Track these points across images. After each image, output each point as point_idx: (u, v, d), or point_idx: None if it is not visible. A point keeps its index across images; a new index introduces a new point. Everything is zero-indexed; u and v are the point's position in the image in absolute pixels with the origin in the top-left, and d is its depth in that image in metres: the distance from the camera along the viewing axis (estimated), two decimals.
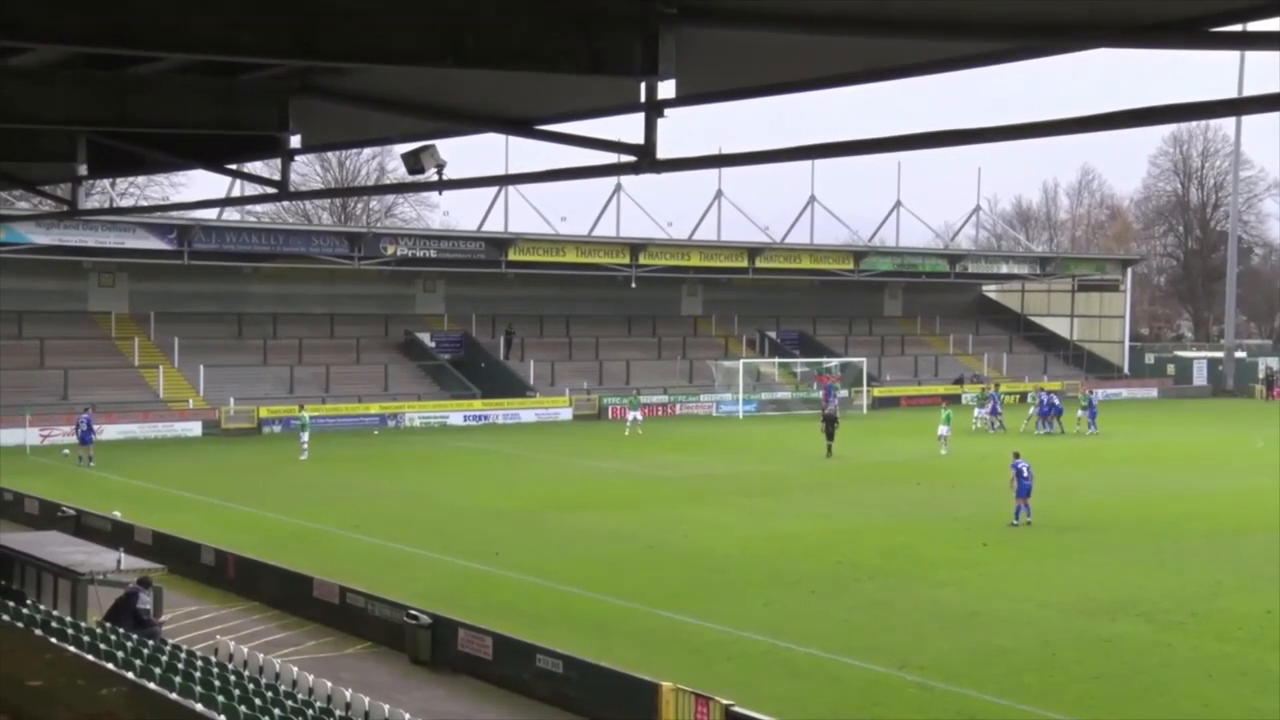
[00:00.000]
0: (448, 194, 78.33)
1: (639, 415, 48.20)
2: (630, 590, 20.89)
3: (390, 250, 53.22)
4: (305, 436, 39.14)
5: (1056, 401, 48.53)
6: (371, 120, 9.55)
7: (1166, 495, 31.46)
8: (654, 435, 46.08)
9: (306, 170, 74.58)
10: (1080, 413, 47.74)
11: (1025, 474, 26.89)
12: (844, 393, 55.15)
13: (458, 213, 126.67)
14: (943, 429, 41.15)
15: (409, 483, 33.79)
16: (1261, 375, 71.51)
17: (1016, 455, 27.85)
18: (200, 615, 19.65)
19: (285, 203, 64.13)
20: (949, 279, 69.83)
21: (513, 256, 55.38)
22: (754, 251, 61.76)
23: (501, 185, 49.98)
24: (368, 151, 73.32)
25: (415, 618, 17.44)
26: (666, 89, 7.42)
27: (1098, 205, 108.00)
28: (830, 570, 22.51)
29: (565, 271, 58.14)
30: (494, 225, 56.73)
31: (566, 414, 52.91)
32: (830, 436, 39.63)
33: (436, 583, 21.34)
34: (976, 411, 49.39)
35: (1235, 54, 65.80)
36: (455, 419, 50.46)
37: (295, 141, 10.39)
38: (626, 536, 25.78)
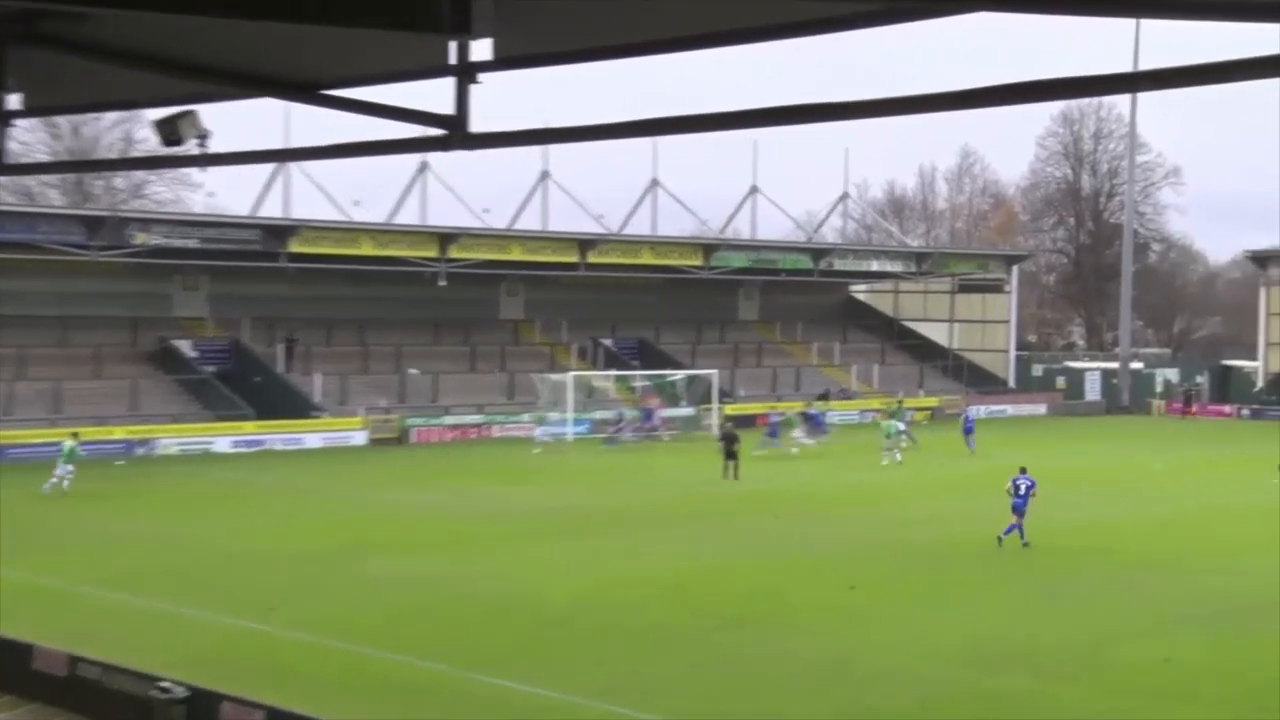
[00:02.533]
0: (213, 171, 76.42)
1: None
2: (440, 649, 20.74)
3: (140, 239, 51.83)
4: (68, 469, 37.41)
5: (819, 417, 53.10)
6: (116, 79, 9.27)
7: (1058, 526, 32.76)
8: (466, 462, 45.85)
9: (30, 138, 71.89)
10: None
11: (1022, 490, 28.91)
12: (664, 413, 56.30)
13: (226, 194, 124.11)
14: (887, 440, 46.34)
15: (163, 524, 32.90)
16: (1160, 389, 75.37)
17: (1022, 470, 29.69)
18: None
19: (2, 178, 61.63)
20: (812, 277, 71.59)
21: (294, 248, 54.51)
22: (586, 244, 62.13)
23: (280, 161, 49.10)
24: (111, 116, 71.24)
25: (167, 690, 16.93)
26: (482, 50, 7.40)
27: (980, 193, 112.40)
28: (678, 620, 22.73)
29: (359, 266, 57.55)
30: (271, 210, 55.83)
31: (360, 438, 52.47)
32: (731, 456, 41.48)
33: (197, 646, 20.79)
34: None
35: (1129, 23, 69.39)
36: (222, 445, 49.61)
37: (14, 102, 10.08)
38: (437, 584, 25.59)
